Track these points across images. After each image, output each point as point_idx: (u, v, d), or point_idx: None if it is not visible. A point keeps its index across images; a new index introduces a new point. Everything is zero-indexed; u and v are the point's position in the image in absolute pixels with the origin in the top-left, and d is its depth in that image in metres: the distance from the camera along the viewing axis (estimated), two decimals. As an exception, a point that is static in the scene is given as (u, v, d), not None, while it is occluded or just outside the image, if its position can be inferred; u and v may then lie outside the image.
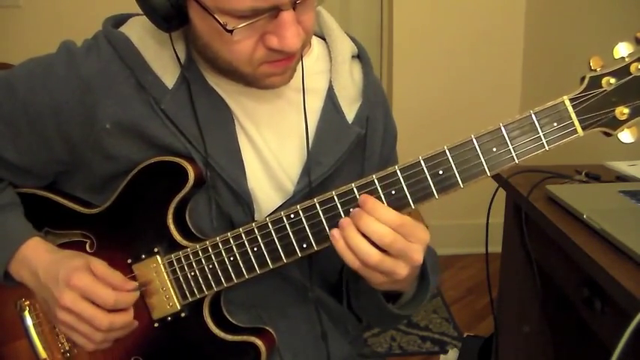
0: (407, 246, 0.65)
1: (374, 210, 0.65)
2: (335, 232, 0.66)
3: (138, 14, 0.79)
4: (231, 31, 0.65)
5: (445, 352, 1.96)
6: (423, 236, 0.66)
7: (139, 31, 0.77)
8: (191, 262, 0.75)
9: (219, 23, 0.64)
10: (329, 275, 0.87)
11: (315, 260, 0.80)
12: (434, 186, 0.66)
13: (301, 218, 0.70)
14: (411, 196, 0.67)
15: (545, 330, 1.29)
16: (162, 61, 0.76)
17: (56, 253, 0.77)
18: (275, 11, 0.65)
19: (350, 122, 0.80)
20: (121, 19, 0.80)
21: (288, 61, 0.71)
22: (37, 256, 0.77)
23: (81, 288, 0.71)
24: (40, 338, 0.82)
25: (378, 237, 0.64)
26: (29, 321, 0.82)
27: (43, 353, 0.82)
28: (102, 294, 0.72)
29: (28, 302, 0.82)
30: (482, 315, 2.19)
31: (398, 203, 0.67)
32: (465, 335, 1.98)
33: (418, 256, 0.66)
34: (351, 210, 0.67)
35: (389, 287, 0.72)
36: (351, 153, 0.80)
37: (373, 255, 0.64)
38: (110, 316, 0.73)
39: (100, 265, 0.74)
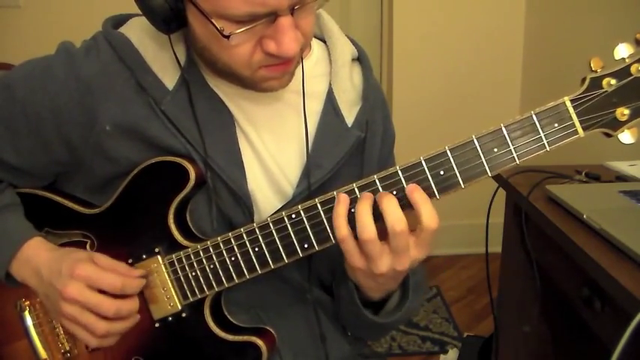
0: (406, 248, 0.65)
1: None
2: (342, 196, 0.67)
3: (138, 15, 0.78)
4: (228, 36, 0.64)
5: (445, 352, 1.96)
6: (422, 255, 0.67)
7: (139, 32, 0.77)
8: (192, 262, 0.75)
9: (217, 28, 0.64)
10: (328, 276, 0.87)
11: (314, 261, 0.80)
12: (435, 186, 0.66)
13: (302, 218, 0.70)
14: (412, 196, 0.67)
15: (545, 330, 1.29)
16: (162, 62, 0.76)
17: (57, 250, 0.78)
18: (272, 16, 0.64)
19: (349, 126, 0.80)
20: (120, 20, 0.80)
21: (286, 65, 0.71)
22: (39, 255, 0.76)
23: (85, 277, 0.72)
24: (40, 338, 0.82)
25: (393, 220, 0.63)
26: (29, 321, 0.82)
27: (43, 353, 0.82)
28: (108, 278, 0.72)
29: (28, 302, 0.82)
30: (482, 315, 2.19)
31: (399, 203, 0.66)
32: (465, 335, 1.98)
33: (404, 265, 0.66)
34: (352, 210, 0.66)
35: (359, 280, 0.72)
36: (351, 156, 0.80)
37: (370, 232, 0.64)
38: (117, 302, 0.73)
39: (103, 257, 0.75)
